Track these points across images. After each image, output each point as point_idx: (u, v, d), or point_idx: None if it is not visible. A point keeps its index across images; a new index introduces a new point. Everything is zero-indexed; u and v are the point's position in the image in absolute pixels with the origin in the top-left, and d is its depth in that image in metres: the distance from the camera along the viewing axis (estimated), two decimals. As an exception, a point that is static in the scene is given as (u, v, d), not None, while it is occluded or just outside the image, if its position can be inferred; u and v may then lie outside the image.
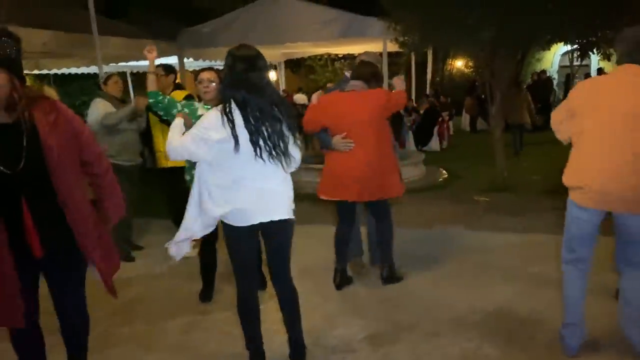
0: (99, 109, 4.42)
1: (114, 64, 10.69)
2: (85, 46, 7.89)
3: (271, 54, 12.80)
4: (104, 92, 4.63)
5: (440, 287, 3.97)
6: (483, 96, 10.30)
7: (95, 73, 10.65)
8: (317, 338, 3.22)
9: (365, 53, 4.23)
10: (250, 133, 2.49)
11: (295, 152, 2.69)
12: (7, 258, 2.17)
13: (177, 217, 3.28)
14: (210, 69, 3.54)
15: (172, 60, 11.30)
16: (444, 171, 8.57)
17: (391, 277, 4.01)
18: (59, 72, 11.98)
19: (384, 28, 8.05)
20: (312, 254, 4.60)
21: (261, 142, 2.52)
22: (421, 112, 11.47)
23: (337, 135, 3.69)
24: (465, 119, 14.15)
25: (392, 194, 3.84)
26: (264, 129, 2.52)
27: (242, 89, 2.51)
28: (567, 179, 2.76)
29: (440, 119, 11.21)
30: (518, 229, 5.26)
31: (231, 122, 2.47)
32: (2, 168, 2.11)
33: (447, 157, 10.24)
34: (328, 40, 10.51)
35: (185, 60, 11.46)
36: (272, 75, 15.29)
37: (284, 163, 2.61)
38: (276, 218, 2.63)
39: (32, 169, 2.15)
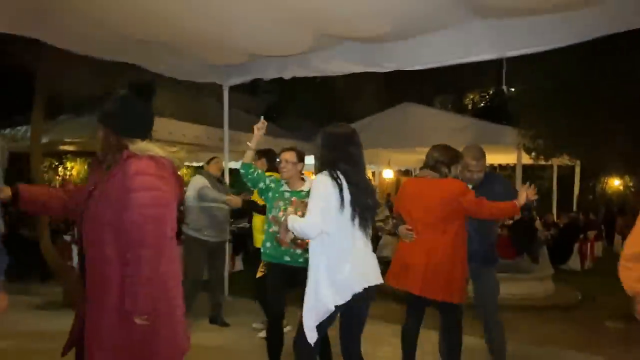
0: (197, 183, 4.94)
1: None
2: (232, 141, 8.88)
3: (405, 159, 13.08)
4: (205, 171, 5.20)
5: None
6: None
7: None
8: None
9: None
10: (352, 200, 2.71)
11: None
12: None
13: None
14: (291, 149, 3.76)
15: (310, 159, 12.09)
16: (578, 292, 7.67)
17: None
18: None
19: (518, 137, 7.88)
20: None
21: (357, 209, 2.73)
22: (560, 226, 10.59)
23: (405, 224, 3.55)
24: (618, 240, 12.67)
25: (456, 299, 3.43)
26: (360, 198, 2.74)
27: (342, 161, 2.75)
28: None
29: (582, 236, 10.19)
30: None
31: (339, 185, 2.69)
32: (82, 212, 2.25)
33: (587, 278, 9.16)
34: (459, 147, 10.46)
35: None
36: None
37: (367, 234, 2.82)
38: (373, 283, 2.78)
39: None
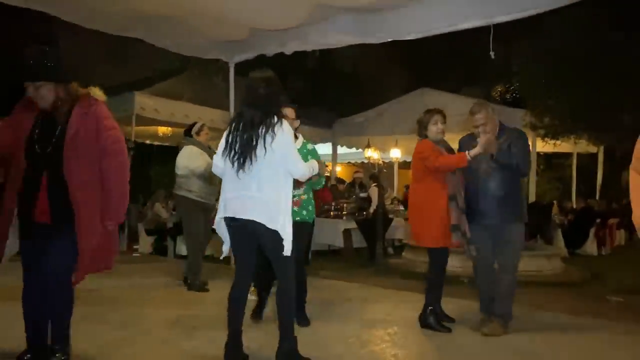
0: (199, 159, 5.16)
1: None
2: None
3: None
4: (195, 140, 5.36)
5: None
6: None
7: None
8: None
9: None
10: None
11: None
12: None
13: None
14: (291, 106, 3.97)
15: (327, 147, 12.27)
16: (587, 272, 7.59)
17: None
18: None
19: (525, 115, 7.83)
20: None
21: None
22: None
23: None
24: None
25: (422, 243, 4.11)
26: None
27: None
28: None
29: (599, 221, 10.03)
30: (631, 332, 4.29)
31: None
32: (36, 147, 2.71)
33: (602, 262, 9.05)
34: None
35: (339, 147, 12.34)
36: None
37: None
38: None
39: (57, 153, 2.69)
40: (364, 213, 8.81)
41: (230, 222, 3.06)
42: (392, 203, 10.50)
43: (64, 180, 2.69)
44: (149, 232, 8.72)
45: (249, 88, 3.08)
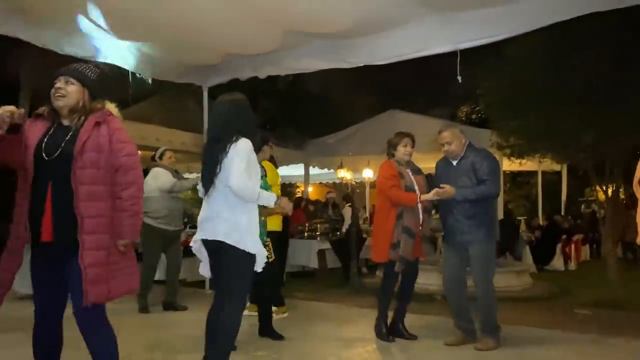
0: (163, 178, 5.23)
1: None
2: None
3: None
4: (161, 164, 5.44)
5: None
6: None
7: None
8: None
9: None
10: None
11: None
12: (22, 235, 2.52)
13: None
14: None
15: (299, 167, 12.37)
16: (555, 286, 7.81)
17: None
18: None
19: (491, 136, 8.10)
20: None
21: None
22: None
23: None
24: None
25: (373, 258, 4.50)
26: None
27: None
28: None
29: (564, 237, 10.36)
30: (597, 341, 4.51)
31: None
32: (44, 154, 2.53)
33: (569, 276, 9.32)
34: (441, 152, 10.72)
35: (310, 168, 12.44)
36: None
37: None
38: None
39: (64, 160, 2.51)
40: (338, 233, 8.90)
41: (203, 243, 3.12)
42: (364, 222, 10.63)
43: (71, 192, 2.49)
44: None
45: (213, 109, 3.30)
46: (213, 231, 3.00)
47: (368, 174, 10.68)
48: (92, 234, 2.50)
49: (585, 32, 5.99)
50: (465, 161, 4.14)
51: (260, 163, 4.41)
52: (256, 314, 4.50)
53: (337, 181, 12.85)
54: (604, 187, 7.35)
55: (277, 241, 4.98)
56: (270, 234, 4.49)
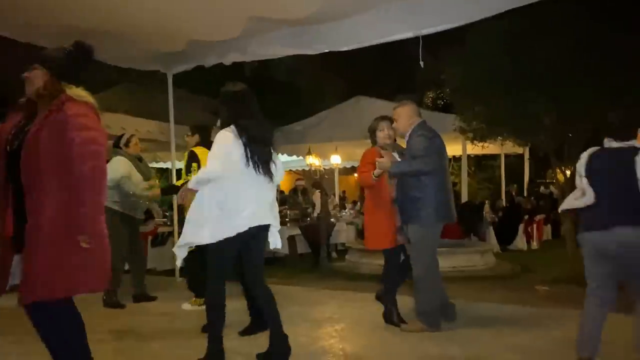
0: (120, 169, 5.08)
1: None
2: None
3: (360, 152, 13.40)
4: (125, 152, 5.30)
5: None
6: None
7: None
8: None
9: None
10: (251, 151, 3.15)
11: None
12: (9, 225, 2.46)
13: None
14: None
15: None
16: (518, 265, 8.11)
17: None
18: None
19: (455, 120, 8.26)
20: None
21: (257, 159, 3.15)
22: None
23: None
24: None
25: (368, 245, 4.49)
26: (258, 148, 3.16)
27: (242, 117, 3.19)
28: None
29: (526, 218, 10.71)
30: (552, 315, 4.71)
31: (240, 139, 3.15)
32: (7, 147, 2.49)
33: (531, 255, 9.68)
34: (409, 136, 10.89)
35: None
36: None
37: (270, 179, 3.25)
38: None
39: (18, 152, 2.43)
40: (308, 219, 8.99)
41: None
42: (334, 209, 10.75)
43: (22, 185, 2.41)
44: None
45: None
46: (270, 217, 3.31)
47: (336, 160, 10.76)
48: (38, 230, 2.39)
49: (545, 18, 6.17)
50: (410, 140, 4.15)
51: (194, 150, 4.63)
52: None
53: (307, 168, 12.92)
54: (563, 169, 7.58)
55: None
56: None
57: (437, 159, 4.05)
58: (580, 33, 6.05)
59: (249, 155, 3.10)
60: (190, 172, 4.55)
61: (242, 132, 3.12)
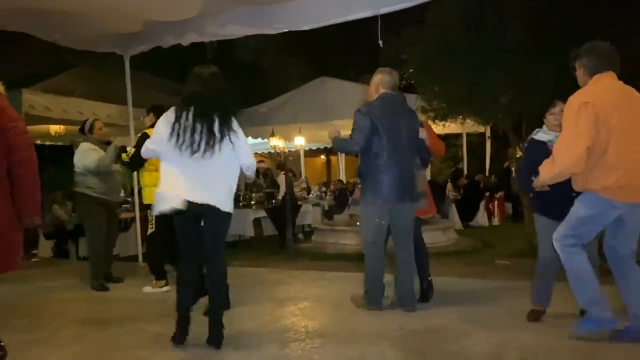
0: (90, 156, 5.07)
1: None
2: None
3: (324, 134, 13.42)
4: (89, 136, 5.26)
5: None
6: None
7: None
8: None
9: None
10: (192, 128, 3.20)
11: None
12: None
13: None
14: None
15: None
16: (479, 241, 8.32)
17: None
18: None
19: (416, 101, 8.35)
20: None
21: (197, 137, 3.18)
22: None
23: None
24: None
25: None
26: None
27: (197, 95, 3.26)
28: (601, 180, 3.02)
29: (487, 195, 10.96)
30: (510, 287, 4.85)
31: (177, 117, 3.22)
32: None
33: (492, 231, 9.93)
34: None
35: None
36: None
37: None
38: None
39: None
40: (273, 201, 8.99)
41: None
42: (302, 190, 10.76)
43: None
44: (48, 236, 8.32)
45: None
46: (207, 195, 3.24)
47: (300, 141, 10.75)
48: None
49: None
50: None
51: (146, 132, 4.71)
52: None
53: (272, 151, 12.85)
54: (522, 146, 7.78)
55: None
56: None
57: (364, 137, 3.84)
58: (536, 9, 6.18)
59: (179, 133, 3.09)
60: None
61: (184, 108, 3.13)
